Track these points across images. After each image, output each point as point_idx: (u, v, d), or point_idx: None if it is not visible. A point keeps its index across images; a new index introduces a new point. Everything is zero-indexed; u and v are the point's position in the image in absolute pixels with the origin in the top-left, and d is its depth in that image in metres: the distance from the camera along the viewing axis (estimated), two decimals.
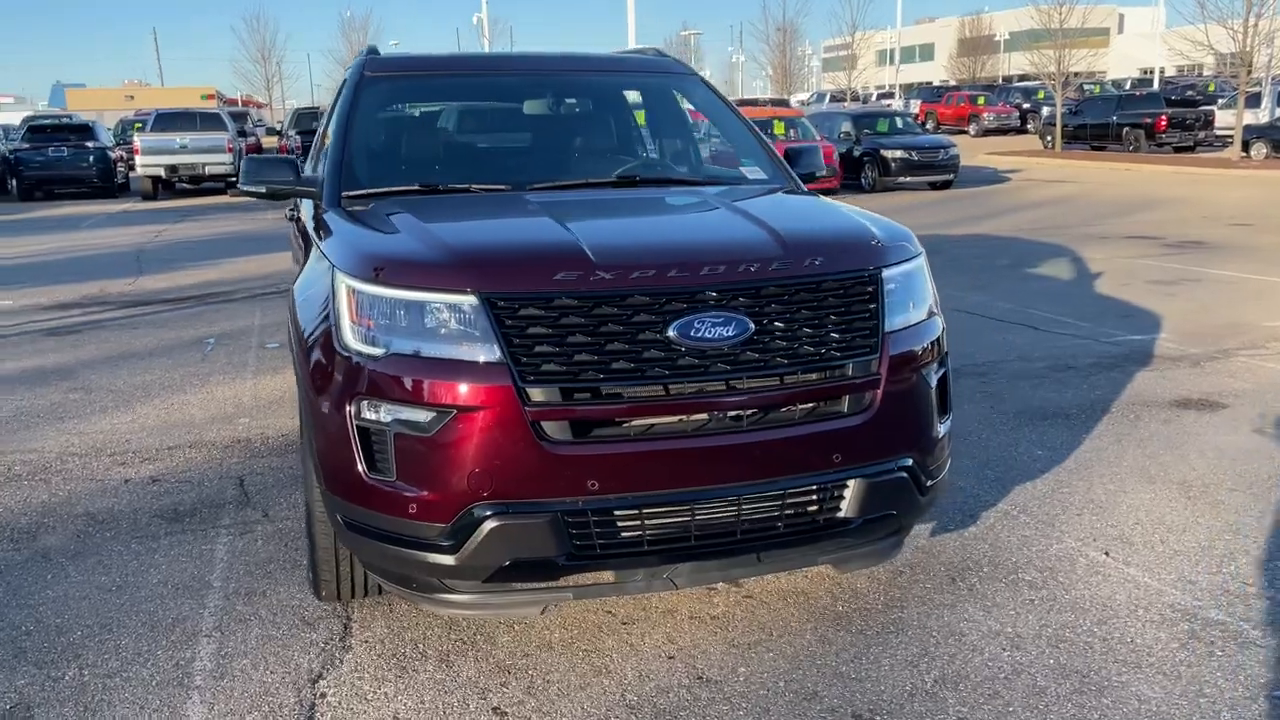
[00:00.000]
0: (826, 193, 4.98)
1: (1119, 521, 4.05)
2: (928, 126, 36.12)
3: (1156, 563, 3.69)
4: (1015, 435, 5.08)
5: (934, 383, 3.21)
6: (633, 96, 4.96)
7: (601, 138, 4.76)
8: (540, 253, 3.01)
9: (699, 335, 2.82)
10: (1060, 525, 4.02)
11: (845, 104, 47.12)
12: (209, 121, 24.43)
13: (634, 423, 2.83)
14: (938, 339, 3.28)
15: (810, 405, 2.97)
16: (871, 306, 3.06)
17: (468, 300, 2.82)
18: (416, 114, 4.66)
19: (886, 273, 3.14)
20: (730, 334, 2.84)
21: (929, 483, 3.18)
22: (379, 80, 4.47)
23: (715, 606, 3.45)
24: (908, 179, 20.81)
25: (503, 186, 3.92)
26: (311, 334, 3.17)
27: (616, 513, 2.83)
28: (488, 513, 2.77)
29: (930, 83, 66.33)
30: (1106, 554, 3.77)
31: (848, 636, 3.25)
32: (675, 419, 2.86)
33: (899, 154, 20.61)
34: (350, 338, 2.95)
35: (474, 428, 2.77)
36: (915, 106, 43.96)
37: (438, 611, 3.14)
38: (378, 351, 2.88)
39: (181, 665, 3.17)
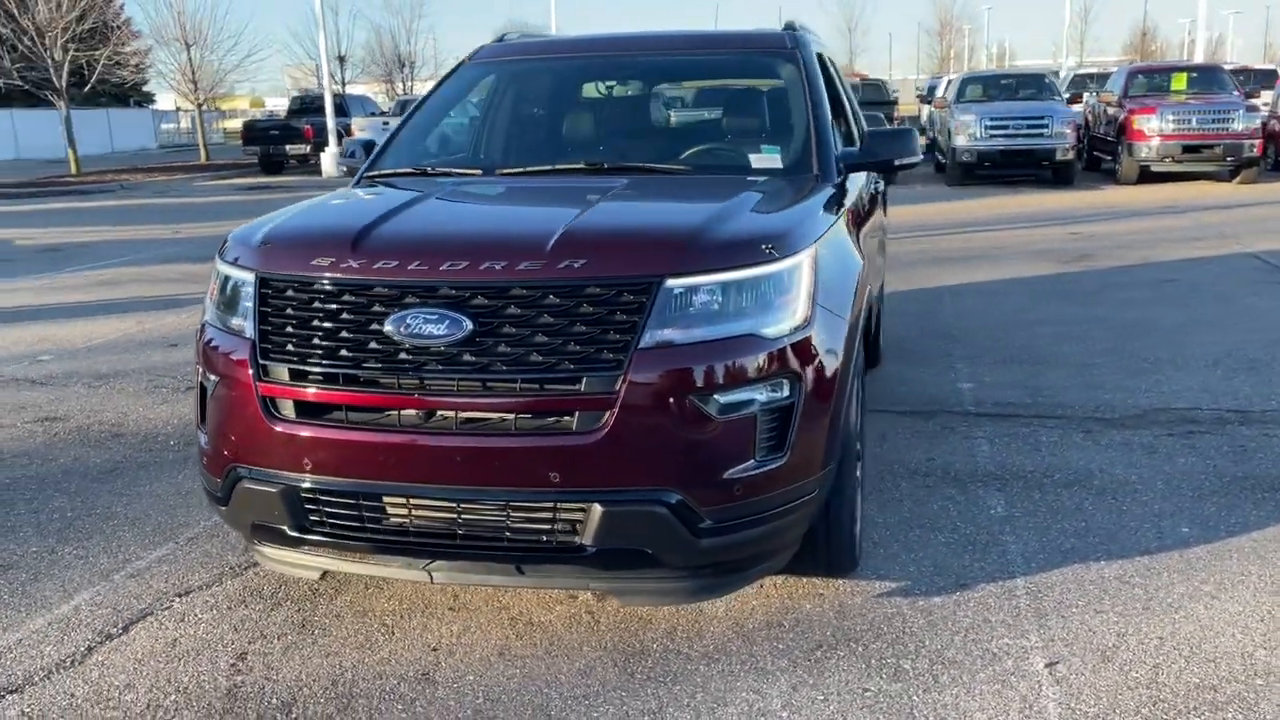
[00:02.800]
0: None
1: None
2: None
3: None
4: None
5: (746, 412, 2.82)
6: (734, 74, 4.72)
7: (640, 122, 4.61)
8: (312, 238, 3.14)
9: (411, 331, 2.79)
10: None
11: None
12: None
13: (350, 411, 2.88)
14: (770, 360, 2.85)
15: (529, 416, 2.78)
16: (627, 318, 2.77)
17: (249, 278, 3.06)
18: (474, 100, 4.86)
19: (675, 282, 2.81)
20: (442, 333, 2.77)
21: (710, 524, 2.81)
22: (467, 68, 4.77)
23: (543, 614, 3.34)
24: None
25: (476, 171, 4.04)
26: None
27: (335, 496, 2.90)
28: (241, 475, 3.02)
29: None
30: None
31: (623, 676, 3.00)
32: (390, 413, 2.85)
33: None
34: (206, 303, 3.34)
35: (230, 396, 3.02)
36: None
37: (259, 561, 3.42)
38: (205, 319, 3.25)
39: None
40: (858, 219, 4.11)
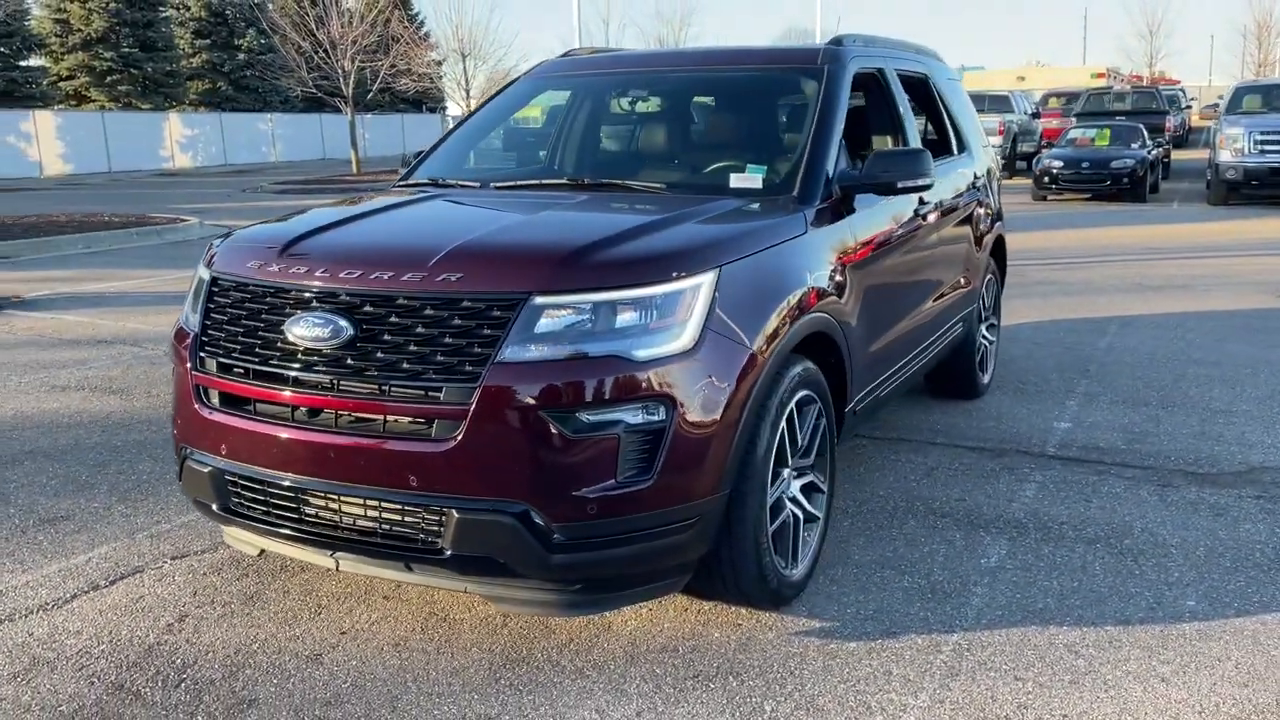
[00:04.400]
0: None
1: None
2: None
3: None
4: None
5: (607, 432, 2.83)
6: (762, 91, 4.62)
7: (641, 139, 4.60)
8: (257, 243, 3.39)
9: (304, 334, 2.99)
10: None
11: None
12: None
13: (257, 404, 3.12)
14: (637, 383, 2.85)
15: (395, 420, 2.91)
16: (491, 332, 2.85)
17: (206, 276, 3.39)
18: (516, 114, 5.00)
19: (543, 300, 2.86)
20: (327, 336, 2.95)
21: (562, 539, 2.84)
22: (520, 83, 4.97)
23: (462, 612, 3.46)
24: None
25: (474, 184, 4.20)
26: None
27: (245, 480, 3.15)
28: (186, 455, 3.34)
29: None
30: None
31: (488, 680, 3.07)
32: (286, 408, 3.07)
33: None
34: None
35: (181, 383, 3.35)
36: None
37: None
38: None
39: None
40: (866, 244, 3.95)
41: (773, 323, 3.20)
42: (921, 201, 4.62)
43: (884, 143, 4.84)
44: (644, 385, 2.86)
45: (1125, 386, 6.26)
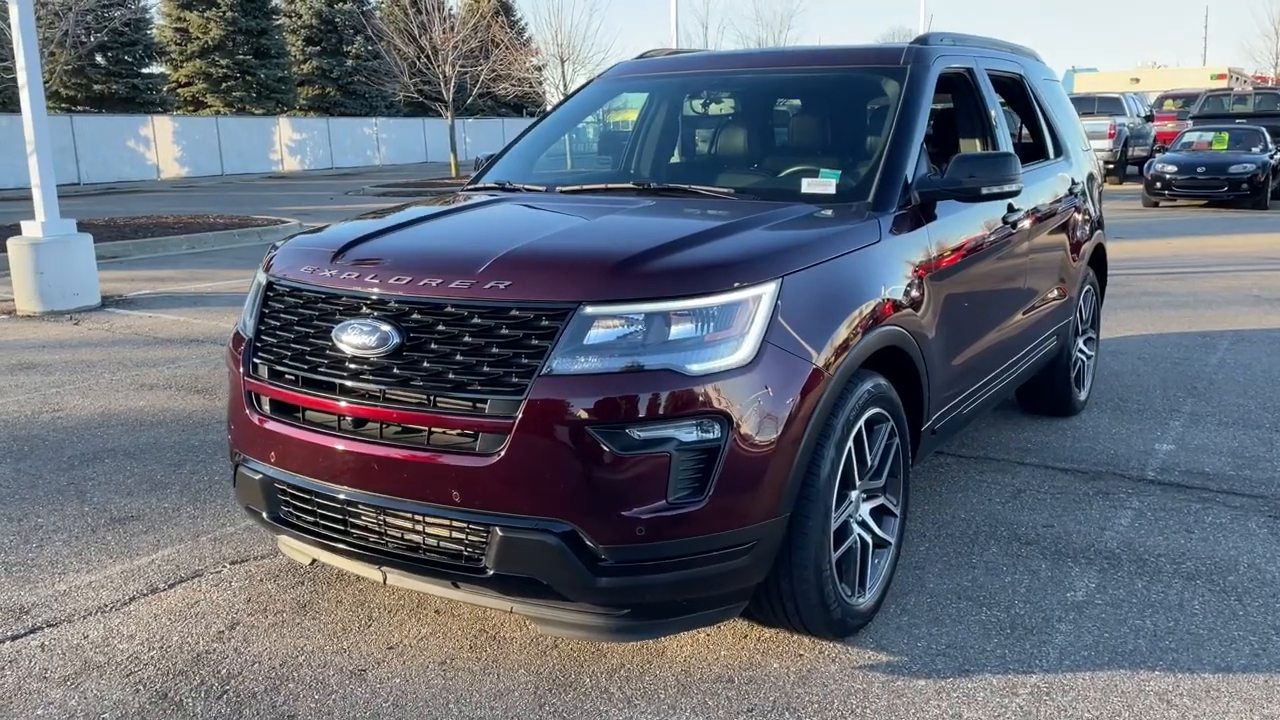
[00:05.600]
0: None
1: None
2: None
3: None
4: None
5: (658, 450, 2.69)
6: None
7: (714, 142, 4.42)
8: (314, 247, 3.33)
9: (352, 341, 2.92)
10: None
11: None
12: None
13: (306, 412, 3.06)
14: (692, 399, 2.70)
15: (441, 432, 2.82)
16: (539, 343, 2.73)
17: (263, 281, 3.35)
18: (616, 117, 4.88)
19: (594, 309, 2.73)
20: (373, 344, 2.87)
21: (610, 563, 2.71)
22: (594, 85, 4.86)
23: (512, 630, 3.35)
24: None
25: (540, 188, 4.10)
26: None
27: (294, 489, 3.10)
28: (239, 461, 3.31)
29: None
30: None
31: (532, 705, 2.95)
32: (333, 416, 3.00)
33: None
34: None
35: (235, 388, 3.32)
36: None
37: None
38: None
39: None
40: (947, 253, 3.73)
41: (841, 336, 3.01)
42: (1011, 208, 4.36)
43: (972, 146, 4.60)
44: (698, 401, 2.72)
45: (1236, 406, 5.85)
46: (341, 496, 2.97)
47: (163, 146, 38.59)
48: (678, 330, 2.76)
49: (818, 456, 2.96)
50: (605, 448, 2.67)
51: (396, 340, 2.86)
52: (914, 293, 3.45)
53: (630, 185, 3.90)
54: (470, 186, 4.40)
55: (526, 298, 2.79)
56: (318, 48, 48.28)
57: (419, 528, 2.88)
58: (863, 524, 3.30)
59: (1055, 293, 5.09)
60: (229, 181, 36.19)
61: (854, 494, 3.21)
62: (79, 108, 39.29)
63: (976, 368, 4.14)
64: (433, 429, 2.82)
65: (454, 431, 2.80)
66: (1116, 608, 3.46)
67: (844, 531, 3.17)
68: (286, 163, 43.24)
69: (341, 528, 3.03)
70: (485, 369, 2.77)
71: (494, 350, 2.77)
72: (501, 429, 2.72)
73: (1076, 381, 5.65)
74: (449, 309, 2.85)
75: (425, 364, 2.83)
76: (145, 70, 42.15)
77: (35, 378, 7.00)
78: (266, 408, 3.17)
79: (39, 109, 9.42)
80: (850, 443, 3.11)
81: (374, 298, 2.97)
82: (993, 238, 4.18)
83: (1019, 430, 5.48)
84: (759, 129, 4.41)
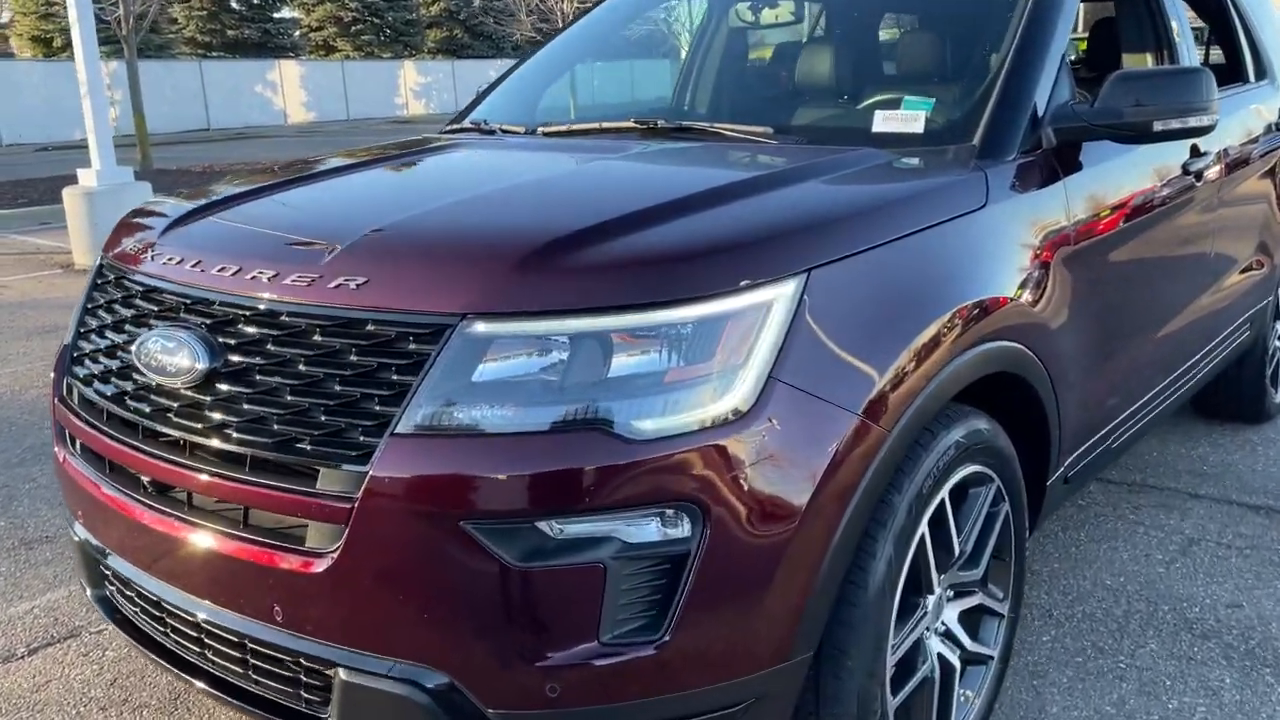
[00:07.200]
0: None
1: None
2: None
3: None
4: None
5: (584, 557, 1.63)
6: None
7: (778, 66, 3.20)
8: (152, 214, 2.36)
9: (149, 359, 1.93)
10: None
11: None
12: None
13: (108, 462, 2.10)
14: (645, 475, 1.63)
15: (260, 513, 1.81)
16: (399, 378, 1.69)
17: (94, 263, 2.41)
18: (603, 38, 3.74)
19: (483, 327, 1.67)
20: (177, 367, 1.88)
21: None
22: None
23: None
24: None
25: (519, 129, 3.00)
26: None
27: (103, 564, 2.17)
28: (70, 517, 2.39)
29: None
30: None
31: None
32: (130, 474, 2.03)
33: None
34: None
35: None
36: None
37: None
38: None
39: None
40: (1096, 219, 2.51)
41: (909, 363, 1.87)
42: (1196, 151, 3.07)
43: (1140, 63, 3.29)
44: (654, 479, 1.63)
45: None
46: (151, 588, 2.02)
47: (289, 91, 38.74)
48: (623, 362, 1.67)
49: (865, 557, 1.85)
50: (497, 554, 1.62)
51: (205, 363, 1.86)
52: (1041, 284, 2.26)
53: (630, 124, 2.77)
54: (451, 126, 3.35)
55: (385, 305, 1.74)
56: None
57: (239, 652, 1.91)
58: (946, 636, 2.17)
59: (1253, 264, 3.74)
60: (354, 126, 36.06)
61: (931, 599, 2.08)
62: (214, 53, 39.84)
63: (1135, 383, 2.91)
64: (250, 506, 1.82)
65: (277, 512, 1.79)
66: None
67: (912, 657, 2.06)
68: (411, 106, 42.99)
69: (160, 628, 2.08)
70: (321, 417, 1.74)
71: (335, 388, 1.74)
72: (338, 515, 1.70)
73: (1273, 380, 4.28)
74: (283, 318, 1.83)
75: (243, 403, 1.83)
76: (277, 15, 42.44)
77: (51, 344, 6.35)
78: (76, 446, 2.23)
79: (91, 49, 8.80)
80: (925, 525, 1.98)
81: (193, 296, 1.98)
82: (1166, 195, 2.91)
83: (1191, 443, 4.17)
84: (829, 45, 3.19)
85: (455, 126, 3.27)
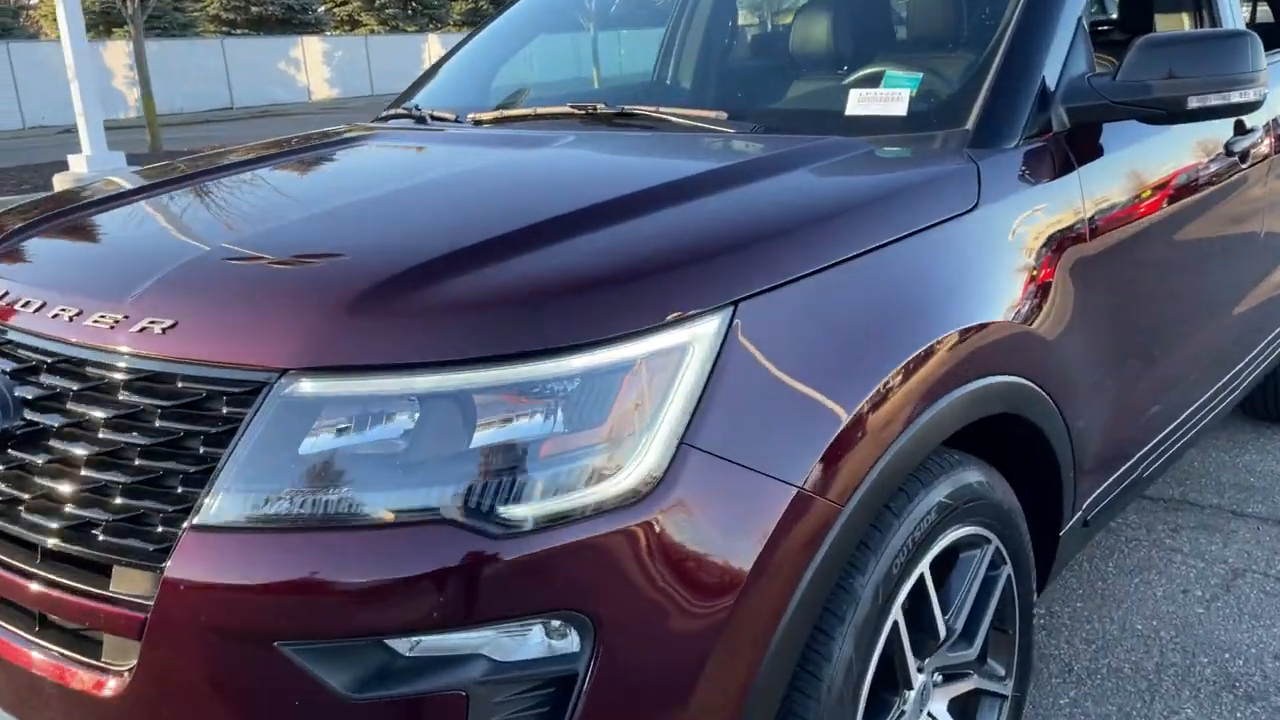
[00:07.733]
0: None
1: None
2: None
3: None
4: None
5: (435, 685, 1.26)
6: None
7: (747, 41, 2.79)
8: None
9: None
10: None
11: None
12: None
13: None
14: (513, 576, 1.26)
15: (54, 618, 1.46)
16: (205, 450, 1.33)
17: None
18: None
19: (315, 384, 1.31)
20: None
21: None
22: None
23: None
24: None
25: (450, 115, 2.60)
26: None
27: None
28: None
29: None
30: None
31: None
32: None
33: None
34: None
35: None
36: None
37: None
38: None
39: None
40: (1116, 217, 2.09)
41: (863, 416, 1.47)
42: (1241, 128, 2.62)
43: (1176, 25, 2.84)
44: (530, 582, 1.26)
45: None
46: None
47: (313, 68, 38.44)
48: (490, 431, 1.29)
49: (816, 662, 1.47)
50: (324, 682, 1.26)
51: (8, 416, 1.50)
52: (1048, 303, 1.85)
53: (566, 110, 2.36)
54: (389, 110, 2.97)
55: (194, 356, 1.38)
56: None
57: None
58: None
59: None
60: (378, 101, 35.64)
61: (911, 694, 1.70)
62: (238, 30, 39.62)
63: (1169, 404, 2.48)
64: (42, 610, 1.47)
65: (70, 620, 1.44)
66: None
67: None
68: None
69: None
70: (117, 499, 1.38)
71: (133, 461, 1.38)
72: (130, 628, 1.34)
73: None
74: (86, 369, 1.47)
75: (33, 476, 1.47)
76: None
77: None
78: None
79: (77, 32, 8.51)
80: (897, 612, 1.59)
81: (3, 336, 1.62)
82: (1206, 182, 2.47)
83: (1236, 449, 3.73)
84: (801, 14, 2.75)
85: (389, 112, 2.88)
